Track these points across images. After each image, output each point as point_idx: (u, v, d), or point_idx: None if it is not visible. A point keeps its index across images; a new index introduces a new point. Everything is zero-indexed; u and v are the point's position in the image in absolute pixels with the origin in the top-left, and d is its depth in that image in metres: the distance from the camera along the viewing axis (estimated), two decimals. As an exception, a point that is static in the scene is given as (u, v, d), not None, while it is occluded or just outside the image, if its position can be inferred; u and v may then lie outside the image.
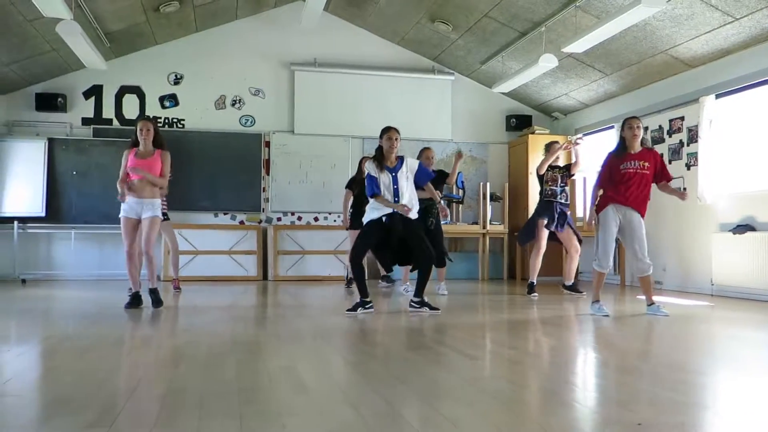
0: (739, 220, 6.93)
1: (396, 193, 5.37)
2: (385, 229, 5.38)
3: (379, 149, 5.47)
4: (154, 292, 5.74)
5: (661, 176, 5.41)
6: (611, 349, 4.02)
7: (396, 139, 5.44)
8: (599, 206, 5.40)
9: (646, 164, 5.32)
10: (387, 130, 5.49)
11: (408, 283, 7.36)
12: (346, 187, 7.78)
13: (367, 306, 5.40)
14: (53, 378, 3.03)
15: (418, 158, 6.90)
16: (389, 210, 5.33)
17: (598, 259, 5.39)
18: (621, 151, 5.40)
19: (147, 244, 5.65)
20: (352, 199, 7.61)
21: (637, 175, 5.30)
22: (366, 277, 5.51)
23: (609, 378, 3.17)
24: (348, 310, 5.38)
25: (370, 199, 5.45)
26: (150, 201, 5.67)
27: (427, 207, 6.78)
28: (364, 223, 5.48)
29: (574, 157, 7.05)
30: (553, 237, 7.07)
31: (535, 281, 7.06)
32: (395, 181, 5.38)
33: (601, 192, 5.52)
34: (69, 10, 6.25)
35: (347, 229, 7.80)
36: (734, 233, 6.86)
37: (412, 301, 5.56)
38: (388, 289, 7.85)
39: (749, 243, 6.67)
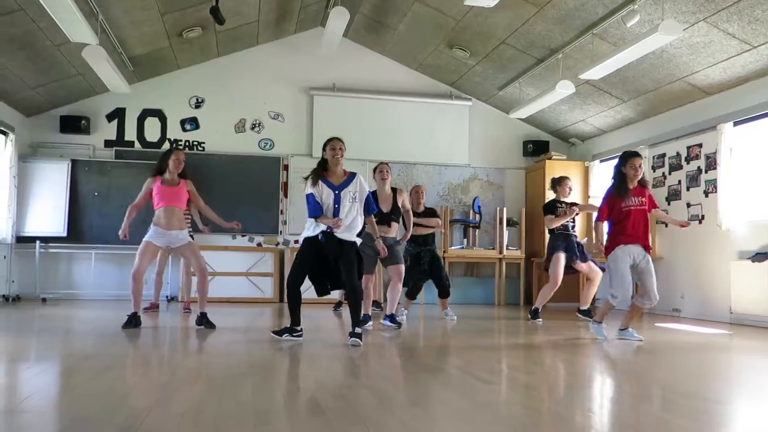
0: (759, 248, 6.87)
1: (336, 213, 4.76)
2: (321, 249, 4.80)
3: (323, 162, 4.90)
4: (204, 316, 5.75)
5: (651, 206, 5.44)
6: (627, 375, 4.00)
7: (341, 149, 4.86)
8: (608, 248, 5.38)
9: (643, 200, 5.35)
10: (330, 140, 4.93)
11: (405, 309, 7.14)
12: None
13: (295, 333, 4.91)
14: (72, 396, 3.08)
15: (410, 194, 6.89)
16: (324, 227, 4.76)
17: (616, 294, 5.27)
18: (622, 189, 5.32)
19: (200, 268, 5.78)
20: None
21: (637, 212, 5.31)
22: (300, 303, 4.92)
23: (625, 405, 3.15)
24: (274, 332, 5.01)
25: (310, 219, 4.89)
26: (178, 232, 5.75)
27: (419, 252, 6.80)
28: (300, 241, 4.98)
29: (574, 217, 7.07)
30: (568, 271, 7.08)
31: (540, 308, 7.05)
32: (337, 200, 4.77)
33: (605, 228, 5.56)
34: (95, 35, 6.41)
35: None
36: (753, 261, 6.80)
37: (349, 333, 4.83)
38: (379, 311, 7.78)
39: (768, 271, 6.60)
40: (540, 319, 6.94)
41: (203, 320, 5.75)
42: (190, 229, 6.89)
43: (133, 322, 5.59)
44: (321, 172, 4.86)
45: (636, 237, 5.29)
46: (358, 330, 4.77)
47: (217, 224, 6.28)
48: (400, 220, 6.32)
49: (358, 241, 4.91)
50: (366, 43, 9.97)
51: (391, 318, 6.15)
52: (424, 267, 6.88)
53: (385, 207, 6.07)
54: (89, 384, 3.27)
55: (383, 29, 9.25)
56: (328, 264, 4.85)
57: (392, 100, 10.14)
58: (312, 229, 4.83)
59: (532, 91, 9.06)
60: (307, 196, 4.82)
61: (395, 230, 6.20)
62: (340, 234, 4.77)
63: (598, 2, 6.58)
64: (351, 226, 4.82)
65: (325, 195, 4.80)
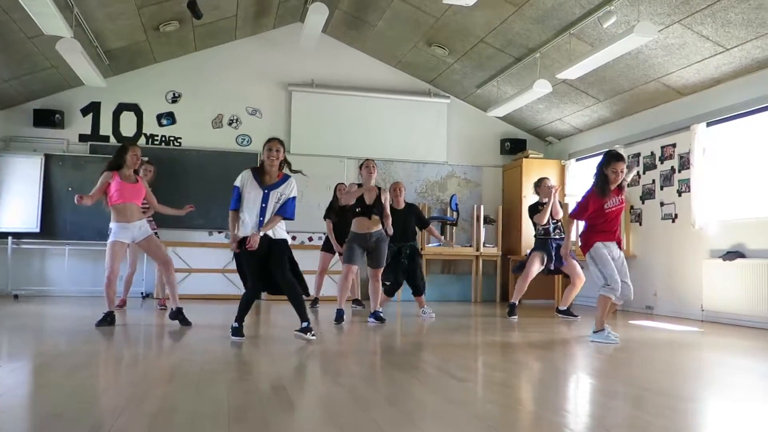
0: (730, 246, 7.00)
1: (261, 213, 4.90)
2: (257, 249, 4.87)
3: (262, 162, 5.05)
4: (180, 312, 5.73)
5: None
6: (601, 373, 4.05)
7: (278, 150, 4.95)
8: (586, 245, 5.37)
9: (622, 198, 5.40)
10: (269, 141, 5.03)
11: (381, 308, 7.19)
12: (325, 218, 7.88)
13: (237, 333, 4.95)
14: (44, 394, 3.04)
15: (390, 191, 7.10)
16: (256, 228, 4.88)
17: (608, 285, 5.24)
18: (606, 191, 5.30)
19: (164, 262, 5.80)
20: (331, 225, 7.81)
21: (618, 211, 5.38)
22: (250, 305, 5.02)
23: (598, 403, 3.20)
24: (233, 335, 4.96)
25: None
26: (140, 223, 5.76)
27: (399, 248, 6.99)
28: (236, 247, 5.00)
29: (551, 207, 7.05)
30: (557, 271, 7.14)
31: (516, 303, 7.10)
32: (265, 199, 4.91)
33: (579, 224, 5.60)
34: (69, 28, 6.31)
35: (321, 251, 8.11)
36: (724, 260, 6.92)
37: (296, 330, 4.91)
38: (360, 308, 7.84)
39: (739, 270, 6.72)
40: (515, 317, 6.99)
41: (178, 316, 5.73)
42: (152, 220, 6.82)
43: (107, 320, 5.53)
44: (257, 170, 5.03)
45: (613, 234, 5.37)
46: (304, 324, 4.87)
47: (175, 215, 6.38)
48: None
49: (289, 238, 5.07)
50: (345, 40, 9.95)
51: (375, 315, 6.35)
52: (404, 262, 6.98)
53: (368, 200, 6.35)
54: (62, 382, 3.23)
55: (362, 26, 9.23)
56: (262, 264, 4.95)
57: (371, 97, 10.13)
58: (247, 228, 4.92)
59: (509, 89, 9.11)
60: (234, 188, 5.00)
61: (376, 223, 6.34)
62: (270, 234, 4.91)
63: (575, 3, 6.64)
64: (272, 229, 4.95)
65: (255, 193, 4.93)
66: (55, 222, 8.80)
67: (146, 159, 7.61)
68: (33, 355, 4.16)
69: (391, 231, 6.35)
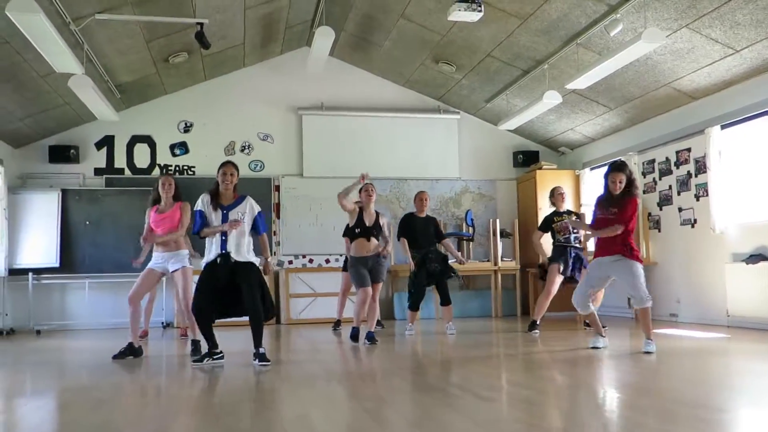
0: (752, 249, 6.89)
1: (223, 233, 4.96)
2: (219, 272, 4.95)
3: (216, 185, 5.14)
4: (195, 344, 5.71)
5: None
6: (628, 387, 3.98)
7: (232, 174, 5.08)
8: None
9: (615, 210, 5.32)
10: (222, 165, 5.16)
11: (411, 324, 7.29)
12: (344, 236, 7.84)
13: (216, 356, 5.04)
14: (69, 433, 3.04)
15: (414, 200, 7.39)
16: (220, 250, 4.95)
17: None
18: (599, 199, 5.49)
19: (185, 297, 5.71)
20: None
21: (601, 220, 5.38)
22: (212, 326, 5.03)
23: (627, 419, 3.13)
24: (194, 361, 5.08)
25: (198, 237, 5.08)
26: (176, 253, 5.77)
27: (424, 255, 7.02)
28: (202, 266, 5.08)
29: (573, 227, 7.02)
30: (573, 280, 7.06)
31: (538, 321, 7.02)
32: (224, 219, 4.99)
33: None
34: (80, 64, 6.40)
35: (343, 270, 8.04)
36: (747, 263, 6.81)
37: (254, 354, 4.96)
38: (380, 329, 7.77)
39: (763, 273, 6.61)
40: (537, 331, 6.91)
41: (192, 347, 5.74)
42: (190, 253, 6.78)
43: (127, 352, 5.52)
44: (213, 193, 5.10)
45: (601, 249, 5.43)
46: (261, 350, 4.92)
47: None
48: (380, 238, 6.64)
49: (257, 261, 5.11)
50: (352, 61, 10.00)
51: (368, 336, 6.32)
52: (434, 267, 6.98)
53: (368, 221, 6.57)
54: (87, 418, 3.23)
55: (369, 47, 9.28)
56: (231, 287, 4.97)
57: (381, 117, 10.16)
58: (211, 252, 5.00)
59: (519, 102, 9.09)
60: (196, 212, 5.05)
61: (375, 245, 6.53)
62: (235, 256, 4.96)
63: (581, 13, 6.63)
64: (239, 244, 5.00)
65: (214, 215, 5.02)
66: (74, 256, 8.87)
67: (165, 171, 7.70)
68: (57, 392, 4.17)
69: (387, 255, 6.65)
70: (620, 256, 5.29)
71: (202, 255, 5.21)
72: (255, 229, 5.14)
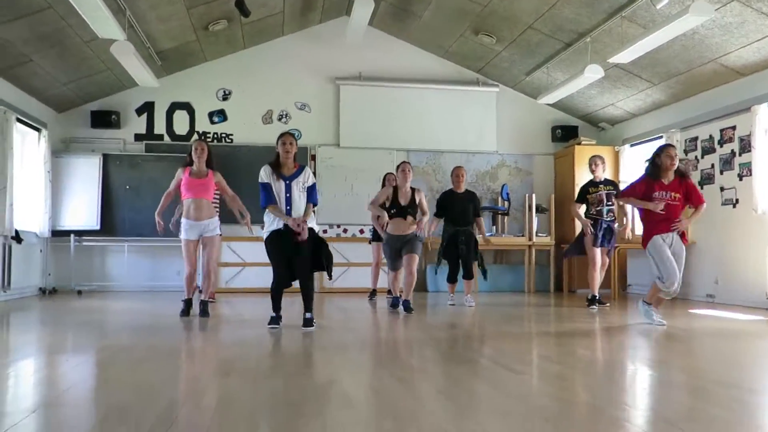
0: (796, 231, 6.73)
1: (287, 202, 5.15)
2: (286, 238, 5.10)
3: (276, 155, 5.26)
4: (204, 304, 5.96)
5: (691, 200, 5.46)
6: (661, 364, 3.95)
7: (291, 143, 5.19)
8: (646, 237, 5.41)
9: (677, 195, 5.34)
10: (281, 136, 5.28)
11: (452, 295, 7.38)
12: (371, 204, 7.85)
13: (273, 323, 5.19)
14: (109, 389, 3.14)
15: (451, 176, 7.38)
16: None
17: (664, 282, 5.27)
18: (655, 174, 5.40)
19: (210, 263, 6.02)
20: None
21: (669, 206, 5.32)
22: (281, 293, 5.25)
23: (658, 395, 3.12)
24: (269, 324, 5.19)
25: (264, 209, 5.22)
26: (208, 221, 5.92)
27: (456, 232, 7.05)
28: (265, 238, 5.23)
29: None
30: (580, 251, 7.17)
31: (597, 294, 7.02)
32: (288, 189, 5.16)
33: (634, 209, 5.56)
34: (122, 31, 6.47)
35: (369, 243, 8.15)
36: (790, 245, 6.66)
37: (305, 318, 5.19)
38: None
39: (806, 255, 6.46)
40: (595, 307, 6.91)
41: (202, 306, 5.96)
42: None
43: (188, 309, 5.97)
44: (274, 164, 5.23)
45: (668, 224, 5.35)
46: (308, 315, 5.15)
47: (235, 213, 6.21)
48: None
49: (316, 227, 5.32)
50: (391, 32, 9.92)
51: (405, 305, 6.44)
52: (462, 249, 7.03)
53: (403, 201, 6.54)
54: (126, 377, 3.34)
55: (408, 17, 9.19)
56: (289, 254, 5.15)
57: (419, 88, 10.09)
58: (275, 222, 5.16)
59: (560, 75, 8.94)
60: (262, 185, 5.19)
61: (410, 224, 6.52)
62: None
63: (627, -16, 6.46)
64: (302, 212, 5.18)
65: (278, 186, 5.17)
66: (114, 219, 9.08)
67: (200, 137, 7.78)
68: (96, 350, 4.30)
69: (424, 234, 6.60)
70: (676, 234, 5.37)
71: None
72: (308, 197, 5.27)
